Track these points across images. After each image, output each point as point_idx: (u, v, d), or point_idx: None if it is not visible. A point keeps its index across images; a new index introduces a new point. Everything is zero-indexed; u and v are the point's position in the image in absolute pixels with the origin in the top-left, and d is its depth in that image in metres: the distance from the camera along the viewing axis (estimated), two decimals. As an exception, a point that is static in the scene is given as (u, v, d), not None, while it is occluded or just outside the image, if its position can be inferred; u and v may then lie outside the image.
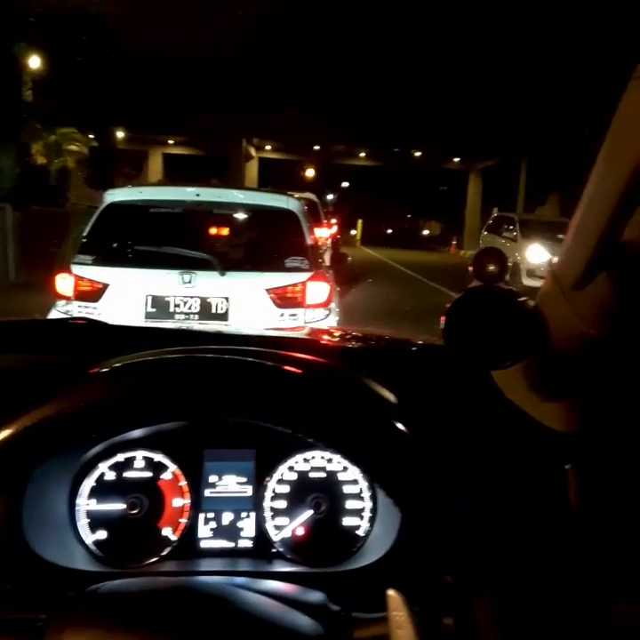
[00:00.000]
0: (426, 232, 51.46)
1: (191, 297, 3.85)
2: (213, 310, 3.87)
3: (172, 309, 3.83)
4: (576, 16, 15.03)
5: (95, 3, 16.12)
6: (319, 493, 0.92)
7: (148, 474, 0.92)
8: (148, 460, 0.92)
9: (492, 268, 0.71)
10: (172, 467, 0.92)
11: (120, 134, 24.10)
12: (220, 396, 0.71)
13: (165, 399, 0.70)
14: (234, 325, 3.73)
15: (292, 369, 0.76)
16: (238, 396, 0.71)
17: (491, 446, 0.79)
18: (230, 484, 0.94)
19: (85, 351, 0.92)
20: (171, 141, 32.20)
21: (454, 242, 35.53)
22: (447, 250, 35.36)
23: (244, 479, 0.94)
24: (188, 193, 4.24)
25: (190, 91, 21.66)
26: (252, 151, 32.94)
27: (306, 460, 0.94)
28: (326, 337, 1.53)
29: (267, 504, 0.93)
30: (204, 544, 0.92)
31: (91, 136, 18.15)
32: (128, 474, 0.92)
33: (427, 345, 1.11)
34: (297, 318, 3.94)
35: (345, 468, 0.94)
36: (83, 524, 0.89)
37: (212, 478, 0.94)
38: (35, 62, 15.82)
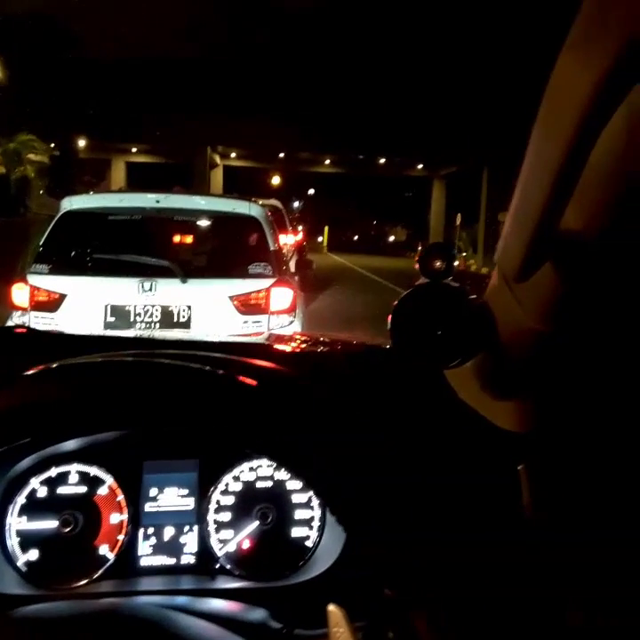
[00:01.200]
0: (392, 238, 51.96)
1: (152, 305, 3.77)
2: (175, 319, 3.80)
3: (132, 319, 3.75)
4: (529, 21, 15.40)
5: (53, 7, 15.87)
6: (266, 503, 0.88)
7: (83, 489, 0.87)
8: (83, 475, 0.87)
9: (438, 263, 0.69)
10: (109, 480, 0.87)
11: (82, 143, 23.71)
12: (158, 401, 0.67)
13: (100, 403, 0.65)
14: (195, 333, 3.67)
15: (241, 376, 0.73)
16: (177, 402, 0.67)
17: (443, 450, 0.77)
18: (172, 497, 0.89)
19: (22, 358, 0.87)
20: (134, 149, 31.79)
21: (420, 247, 35.81)
22: (413, 255, 35.70)
23: (186, 491, 0.89)
24: (147, 200, 4.16)
25: (153, 98, 21.45)
26: (217, 159, 32.76)
27: (252, 469, 0.90)
28: (283, 343, 1.50)
29: (210, 517, 0.88)
30: (143, 562, 0.87)
31: (51, 145, 17.80)
32: (61, 489, 0.86)
33: (381, 347, 1.09)
34: (261, 325, 3.89)
35: (293, 477, 0.91)
36: (13, 543, 0.83)
37: (153, 491, 0.89)
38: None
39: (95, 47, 18.11)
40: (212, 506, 0.89)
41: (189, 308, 3.81)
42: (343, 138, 26.15)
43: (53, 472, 0.86)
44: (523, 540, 0.67)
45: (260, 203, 4.94)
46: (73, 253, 4.00)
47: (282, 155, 33.62)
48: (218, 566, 0.87)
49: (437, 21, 18.96)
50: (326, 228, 36.88)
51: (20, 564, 0.83)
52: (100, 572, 0.84)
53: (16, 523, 0.84)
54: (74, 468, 0.87)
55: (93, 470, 0.87)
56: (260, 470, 0.90)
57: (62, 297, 3.72)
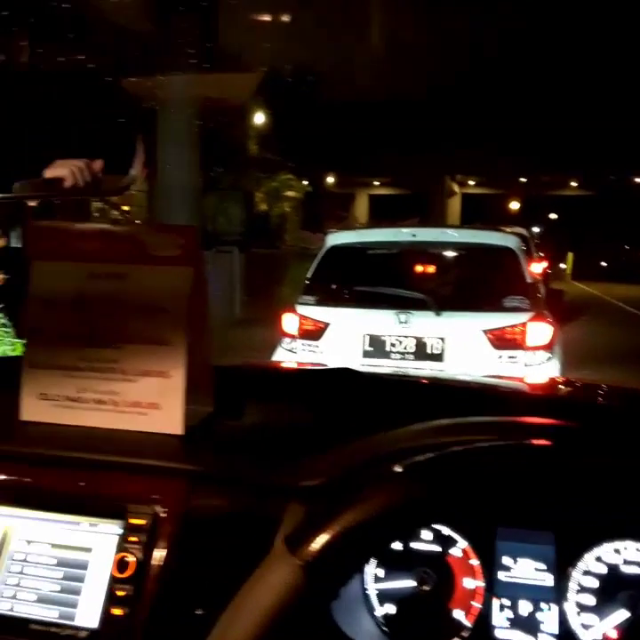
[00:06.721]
0: (648, 264, 46.51)
1: (406, 337, 3.88)
2: (428, 351, 3.85)
3: (388, 349, 3.90)
4: None
5: (310, 60, 17.48)
6: (634, 590, 0.78)
7: (437, 548, 0.84)
8: (437, 533, 0.84)
9: None
10: (463, 543, 0.83)
11: (330, 179, 25.64)
12: (520, 487, 0.65)
13: (470, 495, 0.67)
14: (451, 370, 3.65)
15: (572, 450, 0.69)
16: (533, 487, 0.65)
17: None
18: (527, 569, 0.82)
19: (348, 409, 0.94)
20: (376, 183, 33.45)
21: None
22: (675, 284, 31.58)
23: (543, 565, 0.82)
24: (404, 234, 4.34)
25: (393, 134, 22.37)
26: (455, 187, 32.80)
27: (617, 551, 0.80)
28: (573, 394, 1.39)
29: (571, 597, 0.80)
30: (499, 634, 0.80)
31: (305, 182, 19.54)
32: (415, 545, 0.85)
33: None
34: (516, 361, 3.76)
35: None
36: (371, 594, 0.84)
37: (506, 560, 0.82)
38: (259, 118, 17.60)
39: (341, 91, 19.53)
40: (574, 586, 0.81)
41: (442, 340, 3.84)
42: (593, 157, 24.31)
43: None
44: None
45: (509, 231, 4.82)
46: (336, 286, 4.32)
47: (523, 179, 32.42)
48: None
49: None
50: (570, 255, 34.42)
51: (378, 615, 0.83)
52: (457, 638, 0.81)
53: (372, 573, 0.85)
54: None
55: (447, 530, 0.84)
56: (625, 553, 0.80)
57: (326, 326, 4.03)
